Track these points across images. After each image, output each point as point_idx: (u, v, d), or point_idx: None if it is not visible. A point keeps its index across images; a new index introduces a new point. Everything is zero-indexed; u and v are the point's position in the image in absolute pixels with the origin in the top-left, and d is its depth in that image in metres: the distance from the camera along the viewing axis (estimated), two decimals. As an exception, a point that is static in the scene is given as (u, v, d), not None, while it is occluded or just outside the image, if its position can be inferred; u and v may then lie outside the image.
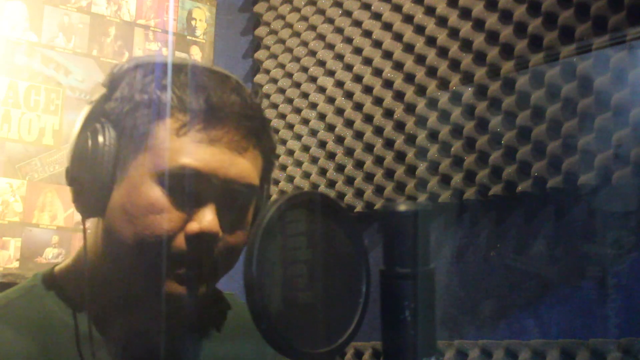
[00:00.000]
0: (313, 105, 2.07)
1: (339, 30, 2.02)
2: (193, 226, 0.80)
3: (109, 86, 0.85)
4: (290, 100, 2.13)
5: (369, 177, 1.91)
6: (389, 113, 1.88)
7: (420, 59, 1.81)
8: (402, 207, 0.56)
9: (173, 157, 0.80)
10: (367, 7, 1.96)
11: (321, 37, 2.07)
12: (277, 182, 2.11)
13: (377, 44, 1.92)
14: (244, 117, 0.83)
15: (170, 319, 0.86)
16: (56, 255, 1.90)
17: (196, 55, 2.22)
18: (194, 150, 0.80)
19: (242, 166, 0.83)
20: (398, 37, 1.87)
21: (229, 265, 0.86)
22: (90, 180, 0.82)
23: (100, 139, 0.82)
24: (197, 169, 0.80)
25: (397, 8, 1.88)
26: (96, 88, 0.86)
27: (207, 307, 0.95)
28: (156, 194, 0.80)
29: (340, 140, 1.99)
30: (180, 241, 0.81)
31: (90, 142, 0.82)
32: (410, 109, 1.83)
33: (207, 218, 0.80)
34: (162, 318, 0.85)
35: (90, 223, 0.87)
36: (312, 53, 2.09)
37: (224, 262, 0.85)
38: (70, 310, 0.85)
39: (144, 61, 0.86)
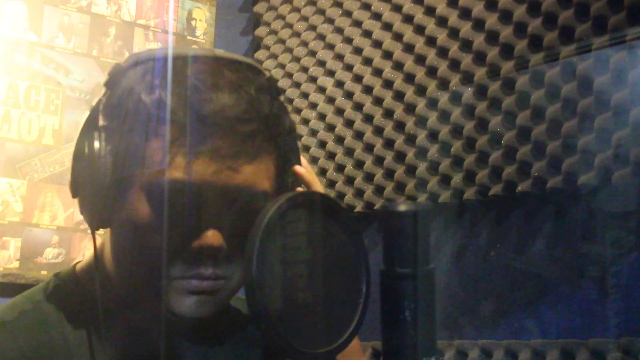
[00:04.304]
0: (313, 105, 2.07)
1: (339, 30, 2.02)
2: (193, 244, 0.77)
3: (109, 88, 0.81)
4: (290, 100, 2.13)
5: (369, 177, 1.91)
6: (389, 113, 1.88)
7: (420, 59, 1.81)
8: (402, 207, 0.56)
9: (166, 171, 0.75)
10: (367, 7, 1.96)
11: (321, 37, 2.07)
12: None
13: (377, 44, 1.92)
14: (240, 122, 0.76)
15: (178, 334, 0.83)
16: (56, 255, 1.90)
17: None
18: (188, 163, 0.75)
19: (245, 175, 0.77)
20: (398, 37, 1.87)
21: (241, 274, 0.82)
22: (92, 192, 0.78)
23: (97, 148, 0.78)
24: (191, 183, 0.75)
25: (397, 8, 1.88)
26: (97, 89, 0.83)
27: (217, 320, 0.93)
28: (150, 211, 0.76)
29: (340, 140, 1.99)
30: (182, 258, 0.77)
31: (88, 152, 0.78)
32: (410, 109, 1.83)
33: (208, 234, 0.76)
34: (168, 336, 0.83)
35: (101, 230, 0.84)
36: (312, 53, 2.09)
37: (236, 273, 0.81)
38: (92, 312, 0.83)
39: (143, 58, 0.81)
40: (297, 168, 0.89)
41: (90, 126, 0.80)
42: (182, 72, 0.77)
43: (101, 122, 0.79)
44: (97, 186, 0.78)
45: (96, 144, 0.78)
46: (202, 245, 0.76)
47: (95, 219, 0.80)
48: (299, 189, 0.89)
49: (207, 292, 0.79)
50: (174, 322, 0.81)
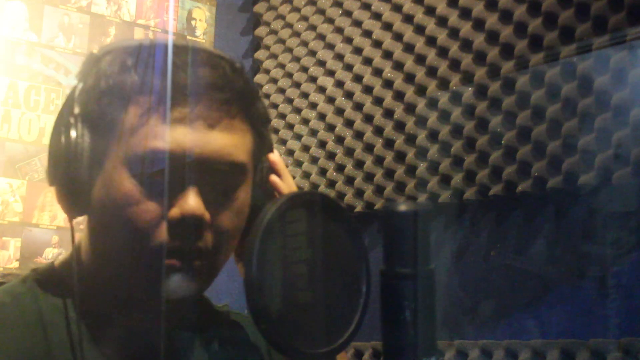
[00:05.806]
0: (313, 105, 2.07)
1: (339, 30, 2.02)
2: (174, 212, 0.76)
3: (80, 77, 0.82)
4: (290, 100, 2.13)
5: (369, 177, 1.91)
6: (389, 113, 1.88)
7: (420, 59, 1.81)
8: (402, 207, 0.56)
9: (141, 142, 0.76)
10: (367, 7, 1.96)
11: (321, 37, 2.07)
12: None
13: (377, 44, 1.92)
14: (215, 89, 0.78)
15: (169, 314, 0.82)
16: (56, 255, 1.90)
17: (196, 55, 2.22)
18: (162, 132, 0.75)
19: (220, 142, 0.78)
20: (398, 37, 1.87)
21: (225, 251, 0.82)
22: (69, 178, 0.79)
23: (73, 134, 0.79)
24: (167, 151, 0.75)
25: (397, 8, 1.88)
26: (71, 81, 0.84)
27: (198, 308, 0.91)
28: (130, 184, 0.76)
29: (340, 140, 1.99)
30: (164, 230, 0.76)
31: (63, 139, 0.79)
32: (410, 109, 1.83)
33: (188, 202, 0.75)
34: (159, 314, 0.81)
35: (81, 221, 0.84)
36: (312, 53, 2.09)
37: (219, 247, 0.80)
38: (71, 306, 0.82)
39: (114, 47, 0.82)
40: (272, 156, 0.90)
41: (65, 114, 0.80)
42: (160, 54, 0.79)
43: (76, 110, 0.80)
44: (75, 170, 0.78)
45: (72, 131, 0.79)
46: (184, 213, 0.76)
47: (74, 205, 0.80)
48: (272, 175, 0.90)
49: (190, 270, 0.78)
50: (160, 307, 0.80)
